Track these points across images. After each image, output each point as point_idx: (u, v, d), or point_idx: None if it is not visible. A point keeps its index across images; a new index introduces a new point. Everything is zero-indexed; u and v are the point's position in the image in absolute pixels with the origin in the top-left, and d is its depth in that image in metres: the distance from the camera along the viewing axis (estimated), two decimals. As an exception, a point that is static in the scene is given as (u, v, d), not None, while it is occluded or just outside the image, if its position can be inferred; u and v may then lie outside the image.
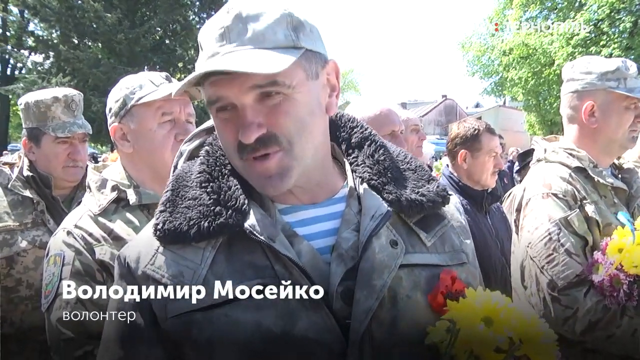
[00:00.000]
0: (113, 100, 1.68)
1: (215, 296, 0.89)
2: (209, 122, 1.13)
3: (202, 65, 0.88)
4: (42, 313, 2.12)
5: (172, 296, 0.91)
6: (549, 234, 1.86)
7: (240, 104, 0.87)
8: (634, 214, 1.95)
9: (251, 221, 0.91)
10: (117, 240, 1.55)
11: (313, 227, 0.98)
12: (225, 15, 0.88)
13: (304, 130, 0.91)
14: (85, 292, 1.47)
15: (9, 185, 2.20)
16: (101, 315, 1.42)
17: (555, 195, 1.90)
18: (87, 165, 2.36)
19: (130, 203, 1.62)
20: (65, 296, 1.46)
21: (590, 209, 1.88)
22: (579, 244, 1.84)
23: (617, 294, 1.70)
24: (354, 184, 1.03)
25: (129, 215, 1.61)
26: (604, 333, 1.77)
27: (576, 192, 1.91)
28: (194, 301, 0.90)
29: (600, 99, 1.96)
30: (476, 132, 2.97)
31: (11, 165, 2.34)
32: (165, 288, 0.92)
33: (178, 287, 0.91)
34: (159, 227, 0.94)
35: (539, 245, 1.87)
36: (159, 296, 0.92)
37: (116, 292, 0.98)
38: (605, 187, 1.97)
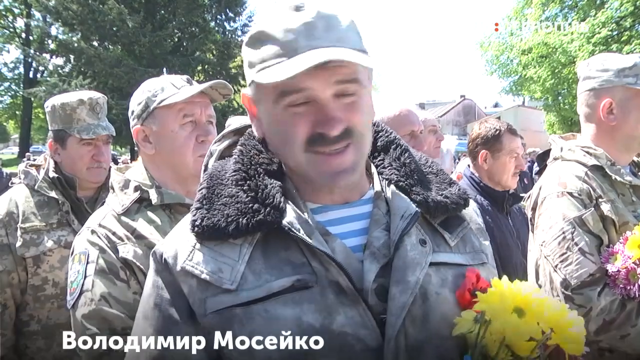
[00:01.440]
0: (135, 103, 1.71)
1: (254, 292, 0.91)
2: (237, 124, 1.17)
3: (296, 57, 0.87)
4: (68, 311, 2.20)
5: (210, 292, 0.93)
6: (563, 232, 1.85)
7: (324, 97, 0.90)
8: None
9: (289, 218, 0.94)
10: (140, 239, 1.58)
11: (343, 226, 1.01)
12: (302, 12, 0.90)
13: (368, 129, 0.97)
14: (109, 288, 1.52)
15: (36, 187, 2.26)
16: (125, 312, 1.48)
17: (570, 194, 1.89)
18: (110, 167, 2.43)
19: (153, 203, 1.64)
20: (89, 293, 1.51)
21: (606, 207, 1.86)
22: (593, 243, 1.83)
23: (632, 288, 1.70)
24: (381, 186, 1.06)
25: (151, 214, 1.64)
26: (618, 332, 1.76)
27: (592, 191, 1.89)
28: (234, 296, 0.92)
29: (619, 96, 1.93)
30: (497, 132, 2.94)
31: (37, 167, 2.40)
32: (205, 283, 0.93)
33: (217, 283, 0.93)
34: (197, 223, 0.95)
35: (553, 244, 1.87)
36: (197, 293, 0.94)
37: (153, 287, 1.00)
38: (623, 185, 1.94)
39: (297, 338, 0.88)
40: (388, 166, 1.08)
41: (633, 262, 1.70)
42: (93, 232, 1.60)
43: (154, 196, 1.65)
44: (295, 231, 0.92)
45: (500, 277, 1.15)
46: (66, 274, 2.19)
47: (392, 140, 1.12)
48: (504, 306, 0.87)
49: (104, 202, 2.33)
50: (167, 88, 1.66)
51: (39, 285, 2.19)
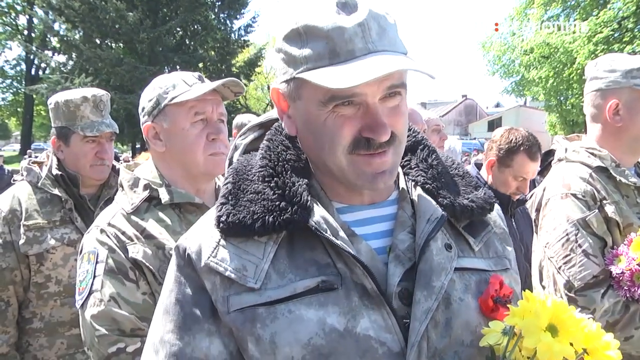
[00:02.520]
0: (146, 100, 1.69)
1: (278, 291, 0.90)
2: (263, 117, 1.14)
3: (354, 62, 0.85)
4: (70, 309, 2.20)
5: (234, 290, 0.92)
6: (567, 234, 1.84)
7: (373, 102, 0.89)
8: None
9: (316, 218, 0.92)
10: (150, 239, 1.56)
11: (369, 227, 0.99)
12: (354, 12, 0.87)
13: (406, 132, 0.96)
14: (120, 289, 1.51)
15: (39, 184, 2.26)
16: (134, 313, 1.48)
17: (574, 195, 1.88)
18: (113, 165, 2.43)
19: (163, 202, 1.62)
20: (98, 293, 1.50)
21: (610, 209, 1.86)
22: (597, 244, 1.82)
23: (636, 290, 1.69)
24: (407, 187, 1.04)
25: (160, 213, 1.62)
26: (622, 334, 1.76)
27: (596, 193, 1.88)
28: (257, 295, 0.90)
29: (625, 97, 1.91)
30: (514, 147, 2.77)
31: (40, 164, 2.39)
32: (229, 281, 0.92)
33: (241, 281, 0.91)
34: (222, 219, 0.93)
35: (556, 246, 1.86)
36: (220, 290, 0.92)
37: (175, 283, 0.98)
38: (628, 187, 1.93)
39: (321, 340, 0.87)
40: (415, 167, 1.06)
41: (637, 264, 1.70)
42: (102, 231, 1.59)
43: (164, 195, 1.63)
44: (322, 231, 0.90)
45: (523, 283, 1.13)
46: (69, 271, 2.20)
47: (420, 141, 1.10)
48: (538, 323, 0.84)
49: (107, 199, 2.34)
50: (179, 85, 1.64)
51: (42, 282, 2.19)
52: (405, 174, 1.07)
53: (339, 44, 0.86)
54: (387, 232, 0.99)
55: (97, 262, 1.53)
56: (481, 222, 1.05)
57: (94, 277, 1.52)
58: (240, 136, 1.13)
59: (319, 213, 0.93)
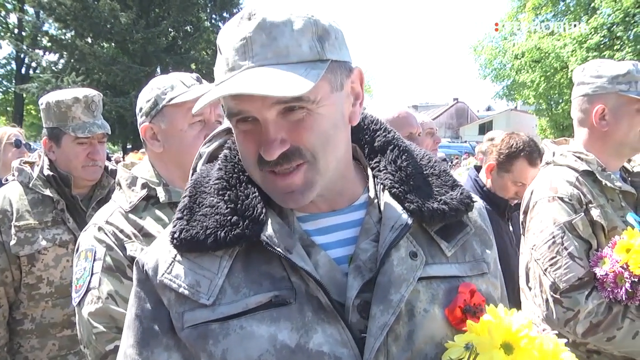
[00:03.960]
0: (144, 100, 1.69)
1: (231, 307, 0.88)
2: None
3: (223, 82, 0.84)
4: (62, 310, 2.19)
5: (188, 306, 0.90)
6: (553, 237, 1.88)
7: (263, 118, 0.84)
8: None
9: (268, 232, 0.89)
10: (148, 237, 1.57)
11: (332, 235, 0.96)
12: (247, 23, 0.83)
13: (328, 144, 0.88)
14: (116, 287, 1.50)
15: (30, 184, 2.24)
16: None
17: (561, 199, 1.91)
18: (106, 165, 2.42)
19: (160, 201, 1.64)
20: (96, 291, 1.50)
21: (595, 212, 1.89)
22: (582, 247, 1.86)
23: (619, 291, 1.73)
24: (375, 191, 1.00)
25: (158, 212, 1.64)
26: (605, 335, 1.79)
27: (582, 196, 1.92)
28: (210, 311, 0.88)
29: (611, 103, 1.96)
30: (514, 152, 2.75)
31: (31, 164, 2.38)
32: (183, 297, 0.91)
33: (194, 298, 0.90)
34: (175, 235, 0.92)
35: (543, 248, 1.89)
36: (175, 306, 0.91)
37: (135, 298, 0.98)
38: (613, 191, 1.97)
39: (271, 357, 0.85)
40: (383, 169, 1.01)
41: (621, 266, 1.73)
42: (100, 229, 1.59)
43: (161, 194, 1.64)
44: (273, 246, 0.88)
45: (506, 286, 1.09)
46: (61, 272, 2.19)
47: (390, 141, 1.05)
48: (492, 340, 0.82)
49: (99, 200, 2.34)
50: (177, 86, 1.65)
51: (34, 284, 2.18)
52: (374, 176, 1.02)
53: (227, 61, 0.84)
54: (352, 239, 0.95)
55: (94, 260, 1.54)
56: (458, 224, 1.00)
57: (92, 274, 1.52)
58: (206, 143, 1.10)
59: (272, 226, 0.90)
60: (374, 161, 1.04)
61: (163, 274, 0.93)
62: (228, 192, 0.94)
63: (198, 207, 0.95)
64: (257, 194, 0.94)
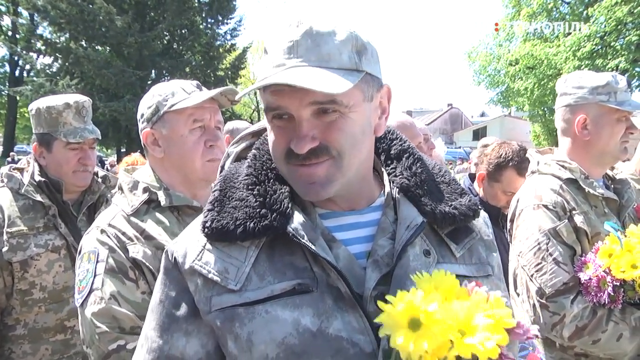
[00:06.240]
0: (145, 107, 1.72)
1: (257, 293, 0.95)
2: (256, 126, 1.19)
3: (268, 75, 0.91)
4: (55, 314, 2.19)
5: (216, 291, 0.97)
6: (539, 243, 1.92)
7: (298, 116, 0.92)
8: (625, 223, 2.00)
9: (294, 224, 0.96)
10: (149, 240, 1.60)
11: (351, 232, 1.03)
12: (295, 30, 0.91)
13: (354, 146, 0.96)
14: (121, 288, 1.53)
15: (22, 190, 2.23)
16: (133, 311, 1.51)
17: (545, 206, 1.96)
18: (96, 171, 2.42)
19: (162, 204, 1.66)
20: (99, 292, 1.52)
21: (579, 219, 1.93)
22: (567, 253, 1.90)
23: (602, 295, 1.77)
24: (392, 194, 1.07)
25: (159, 215, 1.66)
26: (590, 338, 1.83)
27: (565, 204, 1.96)
28: (237, 296, 0.95)
29: (592, 113, 2.01)
30: (502, 162, 2.77)
31: (21, 170, 2.35)
32: (211, 282, 0.97)
33: (223, 283, 0.96)
34: (207, 225, 0.99)
35: (529, 255, 1.93)
36: (203, 291, 0.98)
37: (161, 284, 1.04)
38: (596, 198, 2.02)
39: (294, 339, 0.91)
40: (399, 174, 1.09)
41: (603, 271, 1.77)
42: (103, 231, 1.61)
43: (162, 198, 1.67)
44: (298, 237, 0.94)
45: (506, 289, 1.09)
46: (54, 277, 2.19)
47: (406, 149, 1.14)
48: (399, 319, 0.77)
49: (89, 205, 2.35)
50: (178, 93, 1.68)
51: (27, 289, 2.17)
52: (391, 181, 1.10)
53: (274, 59, 0.92)
54: (369, 237, 1.03)
55: (97, 262, 1.56)
56: (465, 229, 1.09)
57: (95, 275, 1.54)
58: (234, 144, 1.18)
59: (298, 220, 0.97)
60: (390, 167, 1.13)
61: (193, 260, 1.00)
62: (257, 187, 1.01)
63: (228, 200, 1.01)
64: (283, 190, 1.01)
